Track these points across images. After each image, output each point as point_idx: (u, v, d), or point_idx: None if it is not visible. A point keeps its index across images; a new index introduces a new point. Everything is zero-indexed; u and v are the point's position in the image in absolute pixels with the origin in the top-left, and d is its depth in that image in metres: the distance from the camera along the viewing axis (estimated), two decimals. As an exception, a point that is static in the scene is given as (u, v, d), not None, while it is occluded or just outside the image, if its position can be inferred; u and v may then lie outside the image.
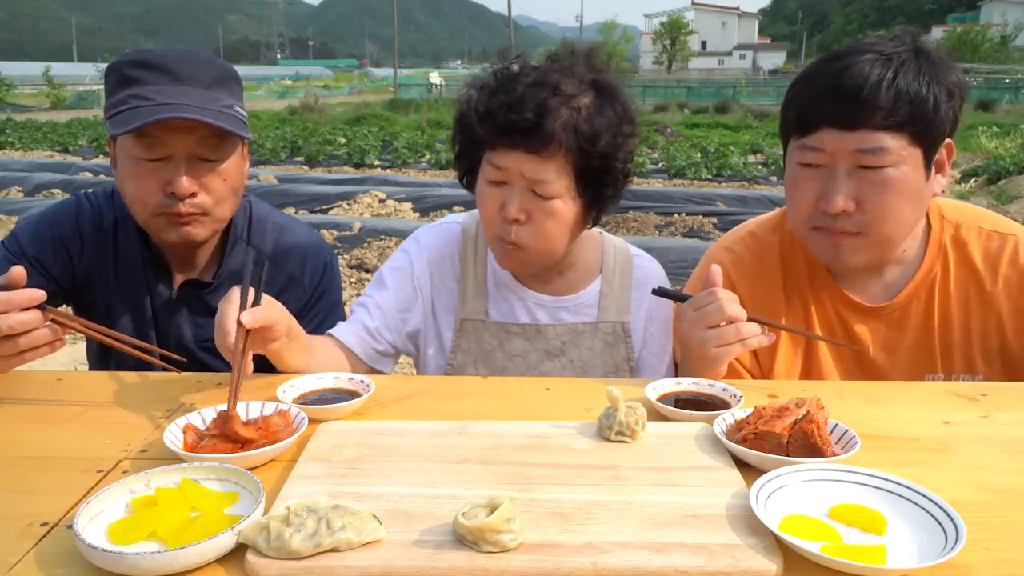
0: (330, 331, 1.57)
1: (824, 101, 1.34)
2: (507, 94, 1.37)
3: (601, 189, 1.44)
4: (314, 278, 1.71)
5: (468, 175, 1.53)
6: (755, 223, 1.66)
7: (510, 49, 1.49)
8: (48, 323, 1.20)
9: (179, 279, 1.64)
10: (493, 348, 1.58)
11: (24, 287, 1.19)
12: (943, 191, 1.44)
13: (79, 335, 1.32)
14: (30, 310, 1.18)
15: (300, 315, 1.67)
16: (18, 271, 1.19)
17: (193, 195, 1.47)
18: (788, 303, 1.55)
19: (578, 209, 1.44)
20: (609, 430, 1.07)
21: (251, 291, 1.22)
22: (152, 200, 1.47)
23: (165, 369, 1.36)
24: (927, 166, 1.36)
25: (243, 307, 1.19)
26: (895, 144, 1.31)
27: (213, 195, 1.50)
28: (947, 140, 1.37)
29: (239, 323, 1.17)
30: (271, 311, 1.24)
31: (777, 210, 1.66)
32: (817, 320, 1.53)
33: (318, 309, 1.72)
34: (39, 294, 1.19)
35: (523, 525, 0.83)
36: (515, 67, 1.42)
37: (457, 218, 1.66)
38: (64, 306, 1.68)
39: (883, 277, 1.51)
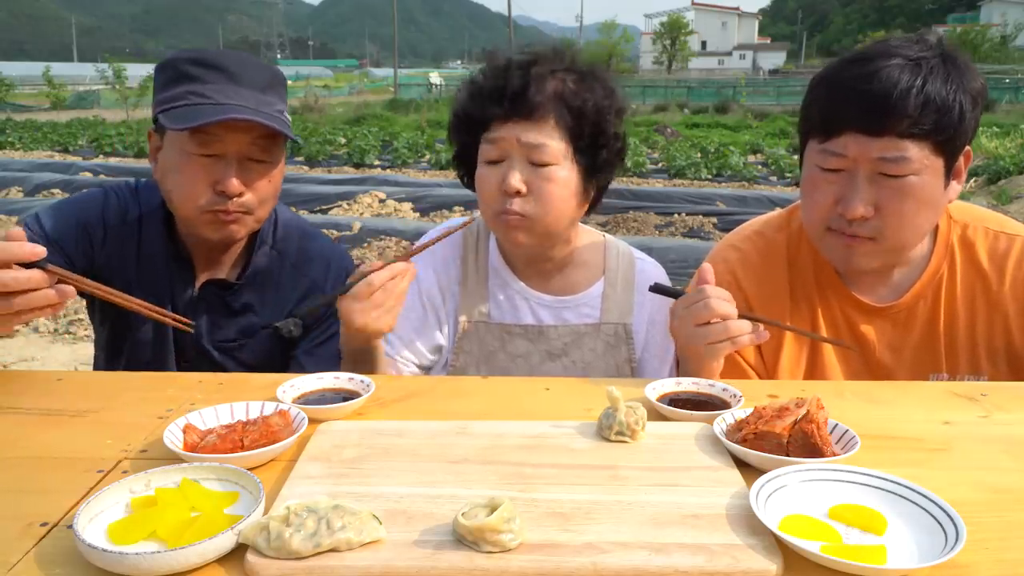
0: None
1: (850, 105, 1.32)
2: (494, 71, 1.46)
3: (597, 152, 1.47)
4: (336, 284, 1.71)
5: (467, 174, 1.54)
6: (761, 222, 1.66)
7: (497, 47, 1.55)
8: (53, 284, 1.16)
9: (202, 278, 1.64)
10: (495, 350, 1.58)
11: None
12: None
13: (78, 330, 1.31)
14: (31, 268, 1.14)
15: (322, 320, 1.67)
16: (17, 231, 1.16)
17: (240, 195, 1.49)
18: (794, 302, 1.54)
19: (578, 176, 1.46)
20: (609, 430, 1.07)
21: None
22: (201, 197, 1.48)
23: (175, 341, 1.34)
24: (947, 174, 1.35)
25: None
26: (918, 153, 1.30)
27: (258, 195, 1.52)
28: (966, 148, 1.36)
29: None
30: None
31: (780, 210, 1.66)
32: (823, 319, 1.53)
33: None
34: (39, 249, 1.14)
35: (523, 525, 0.83)
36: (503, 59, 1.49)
37: (458, 221, 1.67)
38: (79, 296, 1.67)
39: (890, 277, 1.51)
